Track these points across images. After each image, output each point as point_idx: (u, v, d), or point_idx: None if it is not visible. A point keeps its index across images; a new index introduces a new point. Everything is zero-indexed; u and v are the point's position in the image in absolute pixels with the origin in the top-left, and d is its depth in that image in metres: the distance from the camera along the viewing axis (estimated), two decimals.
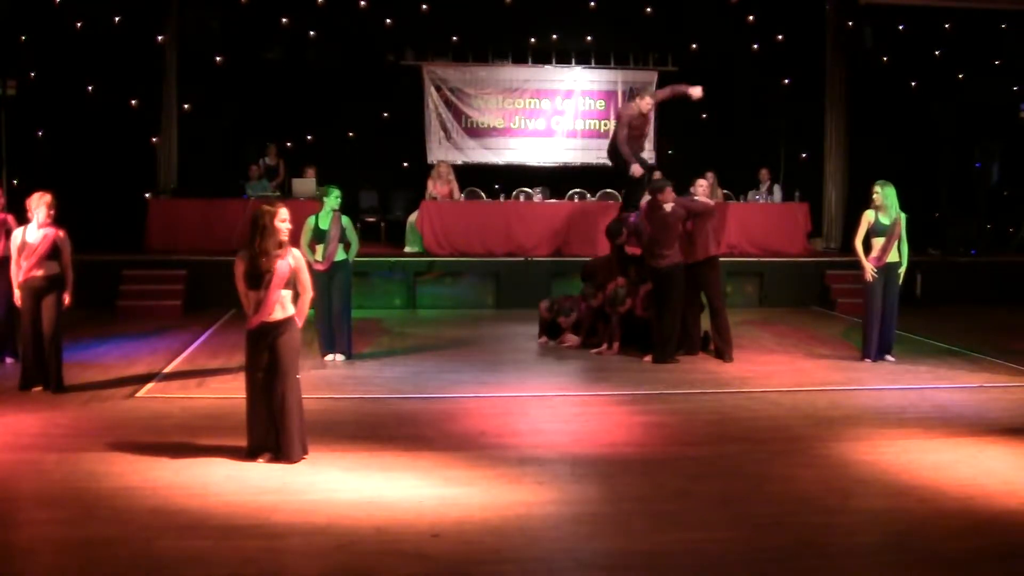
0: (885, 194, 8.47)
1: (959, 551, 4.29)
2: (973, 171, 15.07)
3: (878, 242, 8.52)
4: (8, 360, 8.01)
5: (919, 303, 12.77)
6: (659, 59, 15.87)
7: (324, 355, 8.49)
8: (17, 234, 7.08)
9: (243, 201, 12.92)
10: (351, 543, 4.24)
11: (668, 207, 8.63)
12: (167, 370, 8.03)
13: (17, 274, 7.05)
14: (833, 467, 5.48)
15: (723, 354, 8.81)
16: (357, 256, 8.75)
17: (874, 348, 8.71)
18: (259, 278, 5.28)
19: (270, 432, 5.38)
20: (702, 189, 9.29)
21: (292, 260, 5.38)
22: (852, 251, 8.85)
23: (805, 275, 13.01)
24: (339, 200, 8.42)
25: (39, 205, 7.04)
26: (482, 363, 8.56)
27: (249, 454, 5.42)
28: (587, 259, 10.81)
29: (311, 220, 8.32)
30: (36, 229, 7.03)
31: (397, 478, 5.15)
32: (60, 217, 7.17)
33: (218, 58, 14.54)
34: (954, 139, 15.33)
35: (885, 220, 8.47)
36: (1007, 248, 15.00)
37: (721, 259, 9.37)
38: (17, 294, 7.12)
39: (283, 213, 5.35)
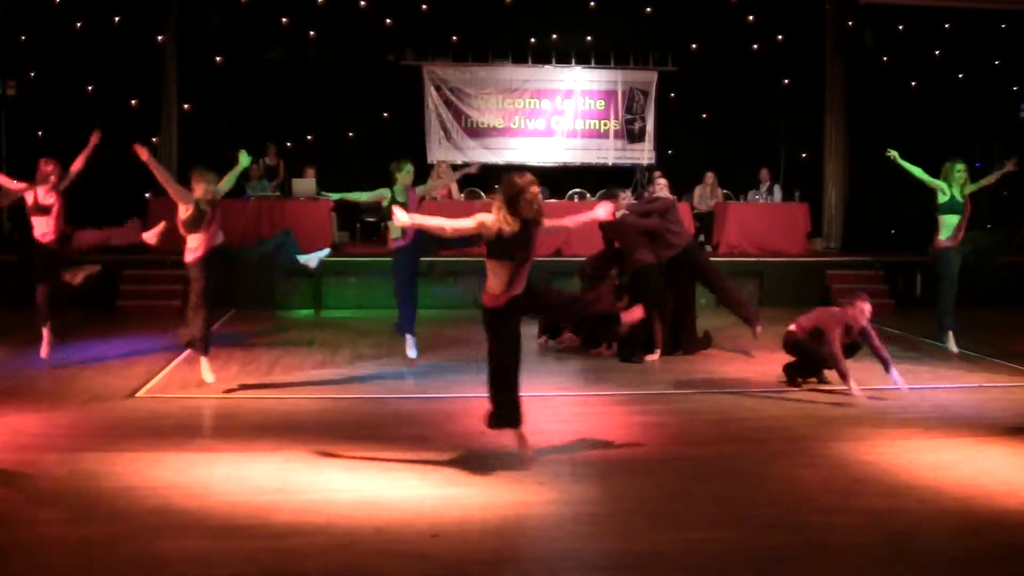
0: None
1: (959, 551, 4.29)
2: (973, 171, 15.05)
3: (952, 220, 8.53)
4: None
5: (919, 303, 12.78)
6: (659, 59, 15.87)
7: (406, 334, 8.46)
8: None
9: (243, 201, 12.92)
10: (351, 543, 4.24)
11: (619, 214, 8.63)
12: (167, 370, 8.03)
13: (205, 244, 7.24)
14: (833, 467, 5.48)
15: (752, 322, 8.81)
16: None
17: (949, 331, 8.78)
18: (523, 247, 5.16)
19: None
20: (660, 187, 9.44)
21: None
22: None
23: (805, 275, 13.01)
24: (411, 174, 8.43)
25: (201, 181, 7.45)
26: (482, 363, 8.54)
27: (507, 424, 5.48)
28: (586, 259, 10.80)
29: (386, 193, 8.30)
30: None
31: (397, 478, 5.15)
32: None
33: (218, 58, 14.54)
34: (954, 139, 15.32)
35: (960, 198, 8.49)
36: (1007, 248, 14.99)
37: (721, 259, 9.39)
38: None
39: (534, 187, 5.13)
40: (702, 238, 13.60)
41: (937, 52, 15.68)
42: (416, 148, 15.32)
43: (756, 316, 8.91)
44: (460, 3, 14.79)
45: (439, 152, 15.28)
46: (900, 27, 15.40)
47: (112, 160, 13.73)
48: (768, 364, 8.67)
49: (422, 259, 12.66)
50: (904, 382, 7.17)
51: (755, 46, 15.58)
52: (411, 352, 8.52)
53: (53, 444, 5.75)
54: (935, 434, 6.24)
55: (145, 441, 5.83)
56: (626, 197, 9.07)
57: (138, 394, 7.10)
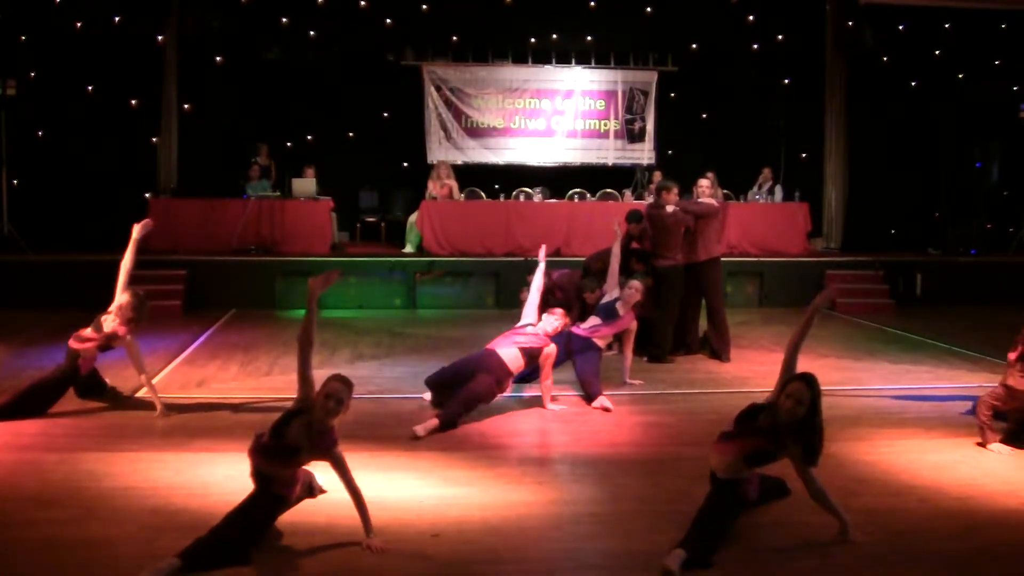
0: None
1: (959, 551, 4.29)
2: (973, 171, 15.07)
3: None
4: None
5: (919, 303, 12.79)
6: (659, 59, 15.88)
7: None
8: None
9: (243, 201, 12.92)
10: (351, 543, 4.24)
11: (669, 209, 8.63)
12: (167, 370, 8.03)
13: None
14: (833, 467, 5.46)
15: (720, 354, 8.81)
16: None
17: None
18: None
19: None
20: (704, 189, 9.17)
21: None
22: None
23: (805, 275, 13.01)
24: None
25: None
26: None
27: None
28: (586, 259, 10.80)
29: None
30: None
31: (397, 478, 5.15)
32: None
33: (218, 58, 14.55)
34: (954, 139, 15.33)
35: None
36: (1007, 248, 15.00)
37: (721, 259, 9.38)
38: None
39: None
40: None
41: (937, 52, 15.68)
42: (416, 148, 15.35)
43: (727, 353, 8.88)
44: (460, 3, 14.79)
45: (439, 152, 15.28)
46: (900, 27, 15.40)
47: (113, 161, 13.83)
48: (768, 364, 8.66)
49: (422, 259, 12.75)
50: None
51: (755, 46, 15.59)
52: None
53: (53, 444, 5.74)
54: (935, 434, 6.24)
55: (145, 441, 5.83)
56: (675, 193, 8.89)
57: (138, 394, 7.09)
